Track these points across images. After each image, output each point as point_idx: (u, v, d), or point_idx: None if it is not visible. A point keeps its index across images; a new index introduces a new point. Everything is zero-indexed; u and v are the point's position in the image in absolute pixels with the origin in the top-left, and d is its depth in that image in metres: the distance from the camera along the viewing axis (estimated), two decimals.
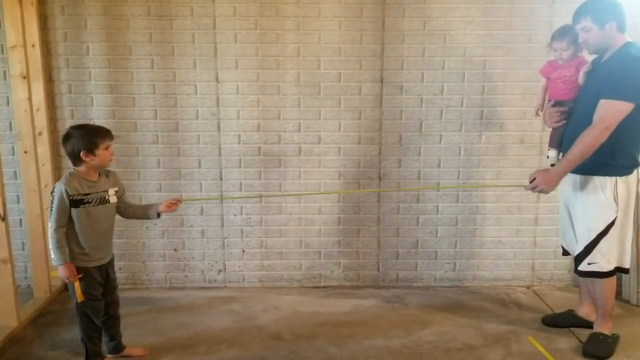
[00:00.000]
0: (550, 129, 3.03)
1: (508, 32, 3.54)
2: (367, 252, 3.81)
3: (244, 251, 3.79)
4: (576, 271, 2.89)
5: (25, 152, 3.34)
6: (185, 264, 3.79)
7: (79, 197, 2.51)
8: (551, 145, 3.01)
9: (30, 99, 3.31)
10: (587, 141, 2.64)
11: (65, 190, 2.48)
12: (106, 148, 2.55)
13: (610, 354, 2.83)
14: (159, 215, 2.78)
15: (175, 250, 3.78)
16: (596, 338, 2.89)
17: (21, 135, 3.33)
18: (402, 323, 3.25)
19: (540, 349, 2.93)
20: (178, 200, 2.81)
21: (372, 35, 3.55)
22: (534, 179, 2.83)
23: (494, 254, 3.81)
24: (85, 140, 2.49)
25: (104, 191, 2.61)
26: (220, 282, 3.83)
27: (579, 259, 2.83)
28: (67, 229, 2.54)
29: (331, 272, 3.83)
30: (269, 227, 3.76)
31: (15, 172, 3.61)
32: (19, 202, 3.64)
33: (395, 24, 3.53)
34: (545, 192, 2.85)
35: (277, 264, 3.81)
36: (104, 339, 2.77)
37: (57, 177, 3.53)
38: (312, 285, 3.83)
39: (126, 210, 2.78)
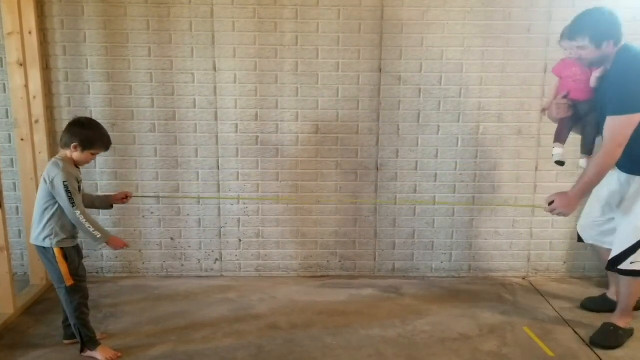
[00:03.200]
0: (557, 125, 2.97)
1: (507, 23, 3.53)
2: (364, 242, 3.82)
3: (240, 240, 3.79)
4: (614, 269, 2.83)
5: (22, 139, 3.33)
6: (182, 252, 3.80)
7: (80, 183, 2.66)
8: (557, 140, 2.95)
9: (27, 86, 3.30)
10: (602, 162, 2.65)
11: (75, 176, 2.59)
12: (93, 154, 2.65)
13: (618, 346, 2.83)
14: (111, 206, 2.96)
15: (171, 239, 3.78)
16: (607, 329, 2.89)
17: (18, 123, 3.32)
18: (398, 313, 3.26)
19: (536, 339, 2.94)
20: (127, 195, 2.93)
21: (370, 24, 3.53)
22: (552, 201, 2.81)
23: (490, 244, 3.82)
24: (86, 137, 2.59)
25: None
26: (216, 271, 3.83)
27: (622, 257, 2.79)
28: (61, 213, 2.60)
29: (328, 262, 3.84)
30: (266, 216, 3.76)
31: (12, 159, 3.61)
32: (15, 190, 3.64)
33: (394, 13, 3.52)
34: (565, 215, 2.83)
35: (274, 253, 3.82)
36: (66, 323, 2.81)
37: None
38: (309, 275, 3.84)
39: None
